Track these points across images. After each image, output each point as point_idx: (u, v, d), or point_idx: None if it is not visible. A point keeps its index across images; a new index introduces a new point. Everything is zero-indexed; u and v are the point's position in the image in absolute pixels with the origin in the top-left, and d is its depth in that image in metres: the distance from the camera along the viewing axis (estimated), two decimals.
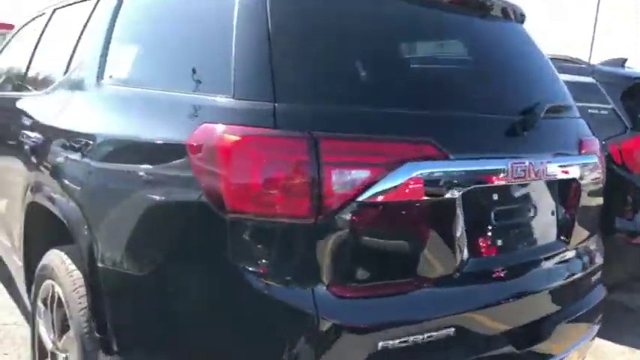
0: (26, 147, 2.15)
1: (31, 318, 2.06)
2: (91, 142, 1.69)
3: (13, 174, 2.33)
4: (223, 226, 1.29)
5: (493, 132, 1.58)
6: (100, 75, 1.87)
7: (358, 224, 1.31)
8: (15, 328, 2.74)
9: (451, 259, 1.45)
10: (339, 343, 1.29)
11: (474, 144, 1.51)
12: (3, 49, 3.43)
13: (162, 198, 1.42)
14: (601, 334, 2.02)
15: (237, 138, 1.28)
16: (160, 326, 1.45)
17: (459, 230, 1.45)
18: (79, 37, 2.15)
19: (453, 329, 1.40)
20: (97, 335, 1.58)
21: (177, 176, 1.39)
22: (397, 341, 1.33)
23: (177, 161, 1.38)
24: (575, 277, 1.79)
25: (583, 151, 1.83)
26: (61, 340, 1.79)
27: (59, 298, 1.79)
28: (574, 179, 1.77)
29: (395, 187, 1.32)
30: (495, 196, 1.57)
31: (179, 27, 1.67)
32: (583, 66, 3.43)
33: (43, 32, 2.68)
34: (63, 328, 1.79)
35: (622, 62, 3.63)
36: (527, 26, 1.96)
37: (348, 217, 1.29)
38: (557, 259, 1.76)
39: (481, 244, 1.54)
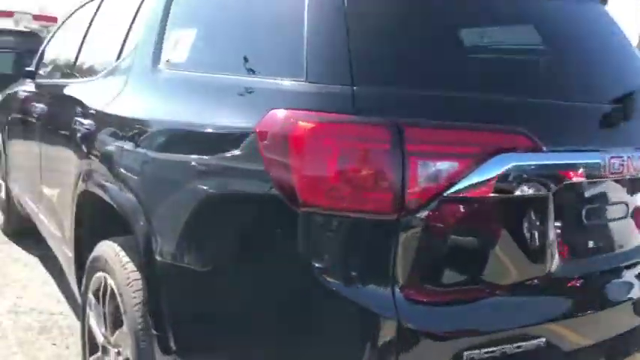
0: (78, 134, 2.09)
1: (81, 310, 2.01)
2: (148, 130, 1.61)
3: (64, 162, 2.29)
4: (295, 220, 1.18)
5: (588, 121, 1.43)
6: (155, 59, 1.79)
7: (444, 222, 1.18)
8: (62, 318, 2.72)
9: (541, 263, 1.31)
10: (421, 352, 1.17)
11: (567, 135, 1.36)
12: (51, 37, 3.42)
13: (227, 189, 1.32)
14: None
15: (311, 125, 1.17)
16: (223, 326, 1.35)
17: (551, 231, 1.31)
18: (132, 21, 2.08)
19: (543, 339, 1.27)
20: (154, 332, 1.49)
21: (243, 166, 1.29)
22: (484, 351, 1.20)
23: (245, 150, 1.28)
24: None
25: None
26: (114, 334, 1.73)
27: (112, 291, 1.73)
28: None
29: (485, 181, 1.18)
30: (587, 193, 1.42)
31: (243, 6, 1.56)
32: None
33: (93, 18, 2.63)
34: (115, 322, 1.72)
35: None
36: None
37: (432, 213, 1.16)
38: None
39: (572, 246, 1.39)
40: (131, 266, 1.64)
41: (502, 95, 1.31)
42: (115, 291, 1.69)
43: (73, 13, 3.15)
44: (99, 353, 1.84)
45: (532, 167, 1.25)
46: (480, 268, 1.26)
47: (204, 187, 1.38)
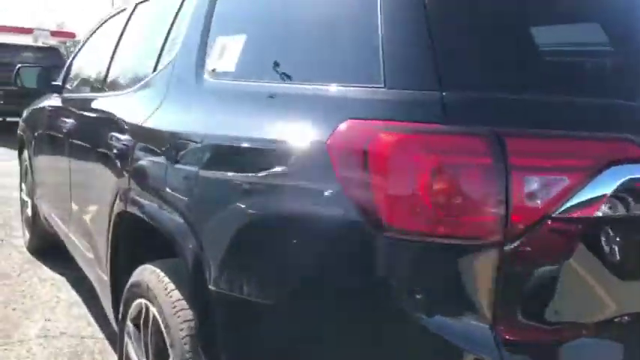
0: (114, 151, 1.96)
1: (118, 338, 1.88)
2: (197, 145, 1.47)
3: (97, 180, 2.17)
4: (377, 246, 1.03)
5: None
6: (199, 69, 1.65)
7: (553, 247, 1.02)
8: (93, 342, 2.61)
9: None
10: None
11: None
12: (78, 51, 3.33)
13: (296, 211, 1.16)
14: None
15: (395, 137, 1.02)
16: None
17: None
18: (169, 29, 1.96)
19: None
20: None
21: (314, 184, 1.13)
22: None
23: (314, 166, 1.13)
24: None
25: None
26: None
27: (154, 319, 1.58)
28: None
29: (598, 197, 1.02)
30: None
31: (303, 4, 1.42)
32: None
33: (124, 29, 2.52)
34: (160, 353, 1.58)
35: None
36: None
37: (540, 237, 1.00)
38: None
39: None
40: (177, 294, 1.50)
41: (604, 98, 1.15)
42: (159, 320, 1.55)
43: (100, 25, 3.06)
44: None
45: None
46: (596, 300, 1.09)
47: (267, 210, 1.22)
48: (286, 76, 1.34)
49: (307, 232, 1.14)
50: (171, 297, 1.51)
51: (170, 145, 1.59)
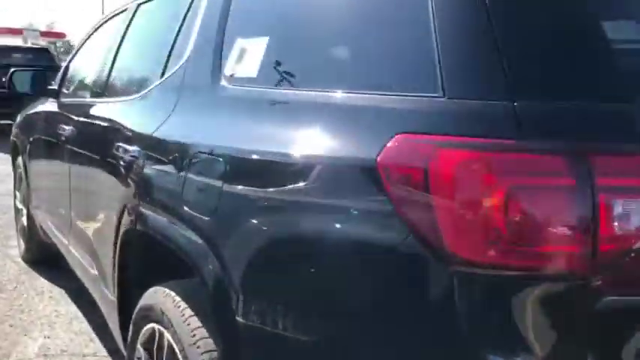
0: (119, 162, 1.82)
1: None
2: (217, 159, 1.32)
3: (102, 192, 2.03)
4: (439, 278, 0.90)
5: None
6: (215, 74, 1.51)
7: None
8: None
9: None
10: None
11: None
12: (76, 53, 3.18)
13: (342, 236, 1.02)
14: None
15: (462, 155, 0.89)
16: None
17: None
18: (179, 30, 1.81)
19: None
20: None
21: (361, 206, 1.00)
22: None
23: (360, 185, 1.00)
24: None
25: None
26: None
27: (170, 347, 1.45)
28: None
29: None
30: None
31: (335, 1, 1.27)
32: None
33: (126, 29, 2.37)
34: None
35: None
36: None
37: (630, 269, 0.88)
38: None
39: None
40: (196, 321, 1.36)
41: None
42: (175, 349, 1.41)
43: (99, 27, 2.91)
44: None
45: None
46: None
47: (309, 234, 1.08)
48: (319, 83, 1.20)
49: (356, 260, 1.00)
50: (189, 324, 1.37)
51: (188, 157, 1.44)
